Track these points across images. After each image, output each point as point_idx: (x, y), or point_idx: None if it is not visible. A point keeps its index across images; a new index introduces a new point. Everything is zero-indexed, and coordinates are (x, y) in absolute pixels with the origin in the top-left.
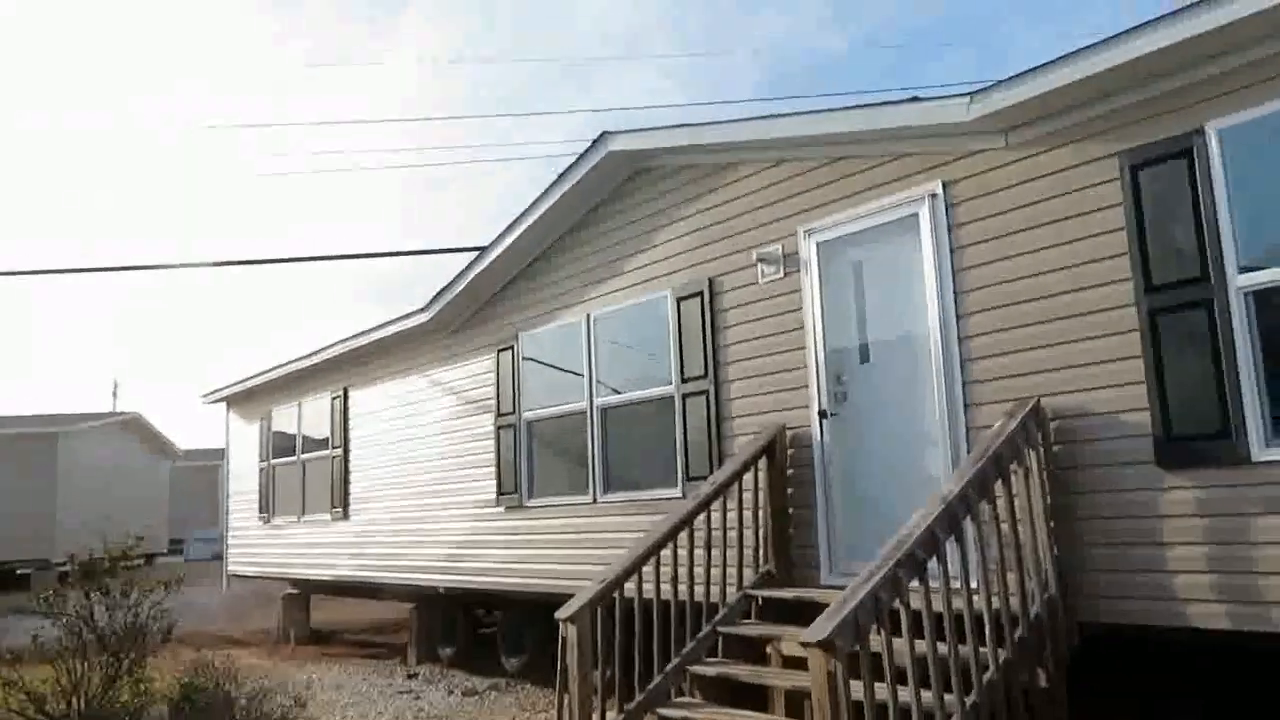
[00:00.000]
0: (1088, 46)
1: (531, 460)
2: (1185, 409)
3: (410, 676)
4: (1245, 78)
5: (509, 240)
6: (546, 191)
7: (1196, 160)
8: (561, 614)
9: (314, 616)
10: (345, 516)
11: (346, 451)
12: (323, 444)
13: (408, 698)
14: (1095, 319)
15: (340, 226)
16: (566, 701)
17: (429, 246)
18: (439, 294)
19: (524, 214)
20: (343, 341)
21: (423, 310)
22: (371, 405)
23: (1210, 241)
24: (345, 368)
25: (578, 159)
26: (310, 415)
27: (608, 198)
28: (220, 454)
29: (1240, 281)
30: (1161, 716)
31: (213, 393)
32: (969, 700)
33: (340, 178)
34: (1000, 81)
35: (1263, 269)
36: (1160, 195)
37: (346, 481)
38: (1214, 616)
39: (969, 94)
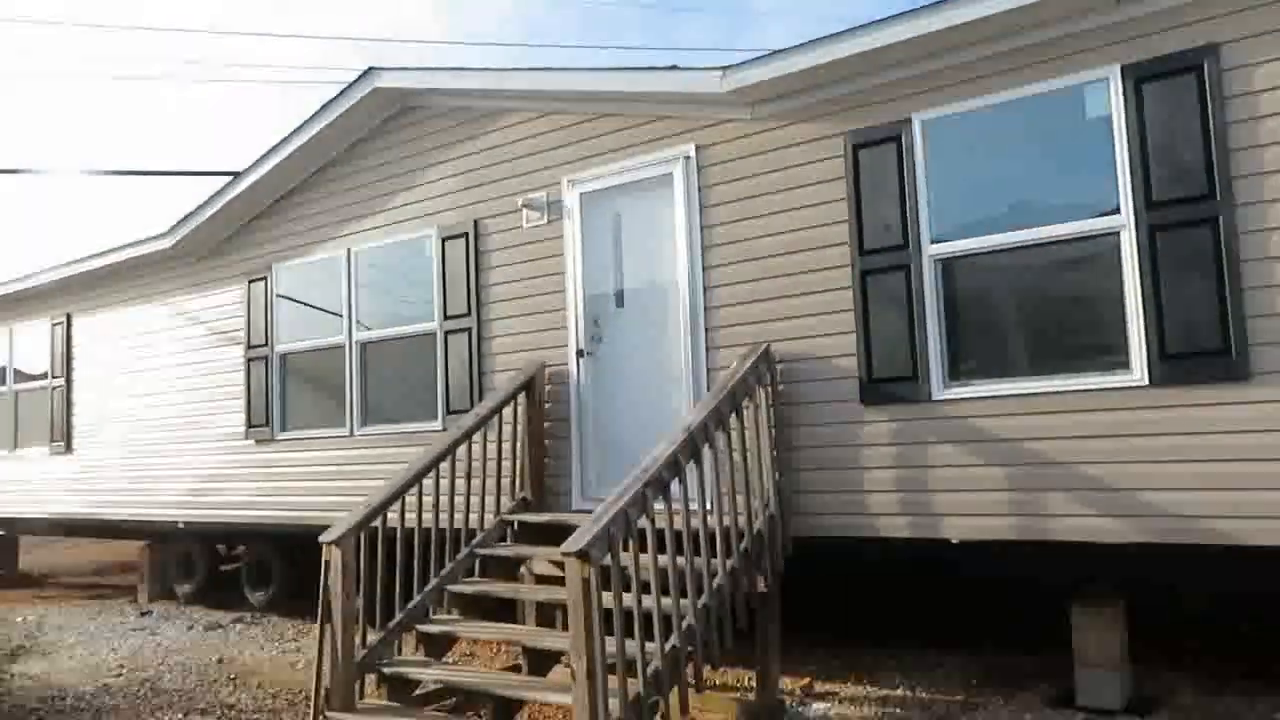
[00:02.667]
0: (824, 37)
1: (285, 393)
2: (884, 356)
3: (144, 614)
4: (946, 78)
5: (264, 169)
6: (307, 122)
7: (904, 145)
8: (326, 538)
9: (23, 560)
10: (68, 450)
11: (69, 381)
12: (40, 374)
13: (143, 634)
14: (818, 276)
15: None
16: (329, 623)
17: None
18: (184, 219)
19: (282, 143)
20: (66, 265)
21: (165, 235)
22: (102, 333)
23: (911, 215)
24: (70, 293)
25: (341, 92)
26: (24, 343)
27: (373, 133)
28: None
29: (932, 250)
30: (855, 610)
31: None
32: (700, 602)
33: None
34: (749, 60)
35: (949, 240)
36: (875, 173)
37: (69, 414)
38: (898, 527)
39: (722, 69)
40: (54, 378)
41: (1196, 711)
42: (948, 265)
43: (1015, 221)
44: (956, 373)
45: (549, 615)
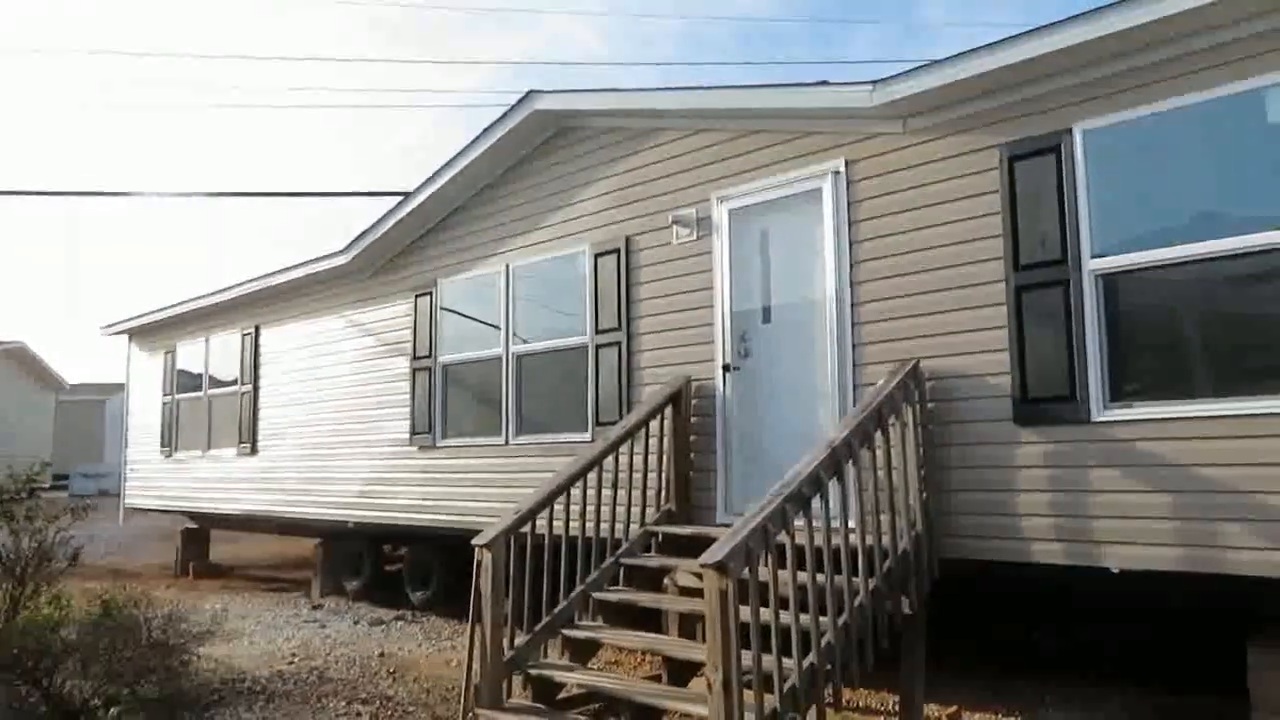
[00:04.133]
0: (975, 49)
1: (446, 403)
2: (1040, 375)
3: (315, 608)
4: (1109, 86)
5: (432, 189)
6: (471, 144)
7: (1063, 156)
8: (478, 541)
9: (213, 552)
10: (253, 452)
11: (256, 388)
12: (231, 380)
13: (314, 627)
14: (970, 292)
15: (277, 164)
16: (479, 623)
17: (365, 188)
18: (359, 237)
19: (448, 164)
20: (256, 279)
21: (342, 252)
22: (284, 343)
23: (1070, 228)
24: (258, 305)
25: (503, 115)
26: (219, 351)
27: (531, 153)
28: (107, 388)
29: (1093, 265)
30: (1004, 640)
31: (114, 324)
32: (840, 621)
33: (269, 113)
34: (900, 74)
35: (1112, 255)
36: (1031, 185)
37: (255, 418)
38: (1054, 554)
39: (872, 82)
40: (243, 384)
41: None
42: (1110, 281)
43: (1184, 235)
44: (1119, 393)
45: (690, 627)
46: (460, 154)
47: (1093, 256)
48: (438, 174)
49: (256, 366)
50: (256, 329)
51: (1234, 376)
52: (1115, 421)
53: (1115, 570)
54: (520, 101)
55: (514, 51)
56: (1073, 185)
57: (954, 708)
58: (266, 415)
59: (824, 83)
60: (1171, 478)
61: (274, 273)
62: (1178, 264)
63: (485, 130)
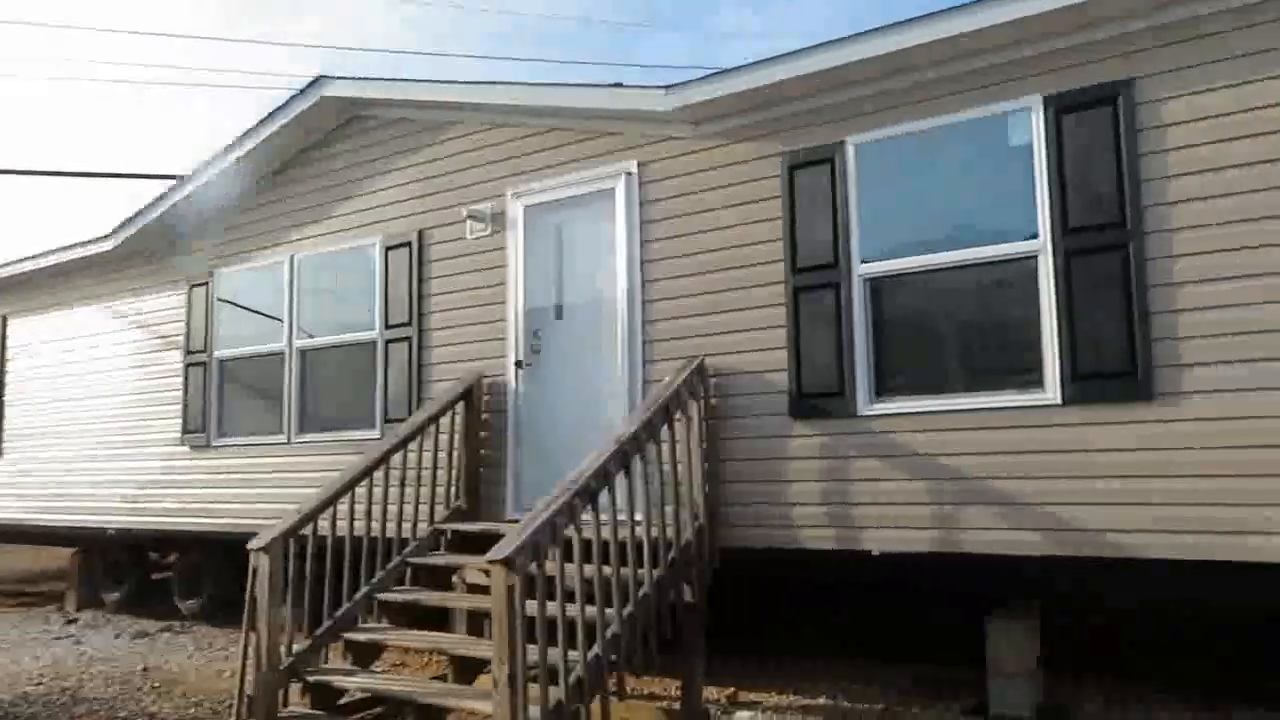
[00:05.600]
0: (762, 60)
1: (222, 400)
2: (814, 371)
3: (70, 622)
4: (878, 103)
5: (210, 173)
6: (255, 128)
7: (837, 167)
8: (254, 544)
9: None
10: None
11: (1, 384)
12: None
13: (67, 643)
14: (754, 293)
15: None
16: (254, 631)
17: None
18: (126, 222)
19: (228, 148)
20: (2, 266)
21: (106, 238)
22: (38, 336)
23: (842, 235)
24: (6, 294)
25: (290, 99)
26: None
27: (321, 141)
28: None
29: (862, 270)
30: (783, 622)
31: None
32: (626, 612)
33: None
34: (692, 80)
35: (878, 261)
36: (809, 193)
37: (1, 416)
38: (823, 539)
39: (666, 87)
40: None
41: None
42: (876, 285)
43: (940, 244)
44: (883, 389)
45: (479, 624)
46: (243, 138)
47: (862, 261)
48: (217, 158)
49: (2, 361)
50: (4, 320)
51: (980, 373)
52: (879, 415)
53: (876, 553)
54: (309, 86)
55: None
56: (845, 194)
57: (731, 689)
58: (15, 415)
59: (619, 85)
60: (925, 466)
61: (25, 259)
62: (935, 270)
63: (271, 114)
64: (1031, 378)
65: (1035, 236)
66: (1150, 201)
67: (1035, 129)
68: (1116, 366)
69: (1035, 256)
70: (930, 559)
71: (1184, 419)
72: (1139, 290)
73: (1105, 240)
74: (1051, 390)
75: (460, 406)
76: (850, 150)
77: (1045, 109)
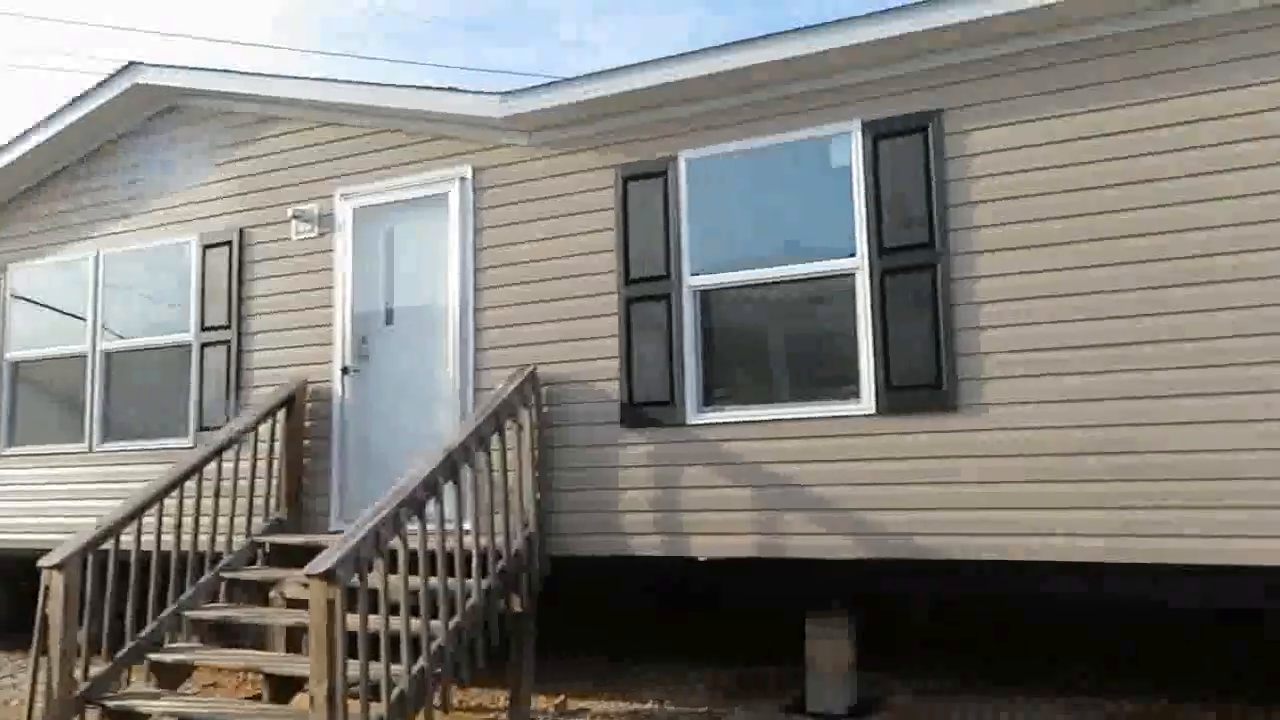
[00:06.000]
0: (600, 72)
1: (14, 405)
2: (644, 381)
3: None
4: (709, 121)
5: (5, 160)
6: (58, 113)
7: (670, 180)
8: (46, 561)
9: None
10: None
11: None
12: None
13: None
14: (587, 303)
15: None
16: (46, 655)
17: None
18: None
19: (26, 133)
20: None
21: None
22: None
23: (674, 247)
24: None
25: (99, 85)
26: None
27: (134, 131)
28: None
29: (691, 282)
30: (618, 628)
31: None
32: (452, 623)
33: None
34: (527, 88)
35: (708, 274)
36: (642, 206)
37: None
38: (652, 546)
39: (501, 94)
40: None
41: (910, 712)
42: (705, 297)
43: (767, 259)
44: (711, 398)
45: (299, 640)
46: (43, 124)
47: (692, 274)
48: (12, 144)
49: None
50: None
51: (803, 384)
52: (707, 424)
53: (702, 559)
54: (120, 72)
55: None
56: (677, 208)
57: (561, 697)
58: None
59: (454, 89)
60: (751, 473)
61: None
62: (762, 284)
63: (76, 99)
64: (849, 389)
65: (854, 255)
66: (956, 225)
67: (855, 153)
68: (925, 379)
69: (853, 274)
70: (755, 563)
71: (984, 428)
72: (945, 308)
73: (916, 260)
74: (867, 400)
75: (282, 414)
76: (683, 165)
77: (864, 134)
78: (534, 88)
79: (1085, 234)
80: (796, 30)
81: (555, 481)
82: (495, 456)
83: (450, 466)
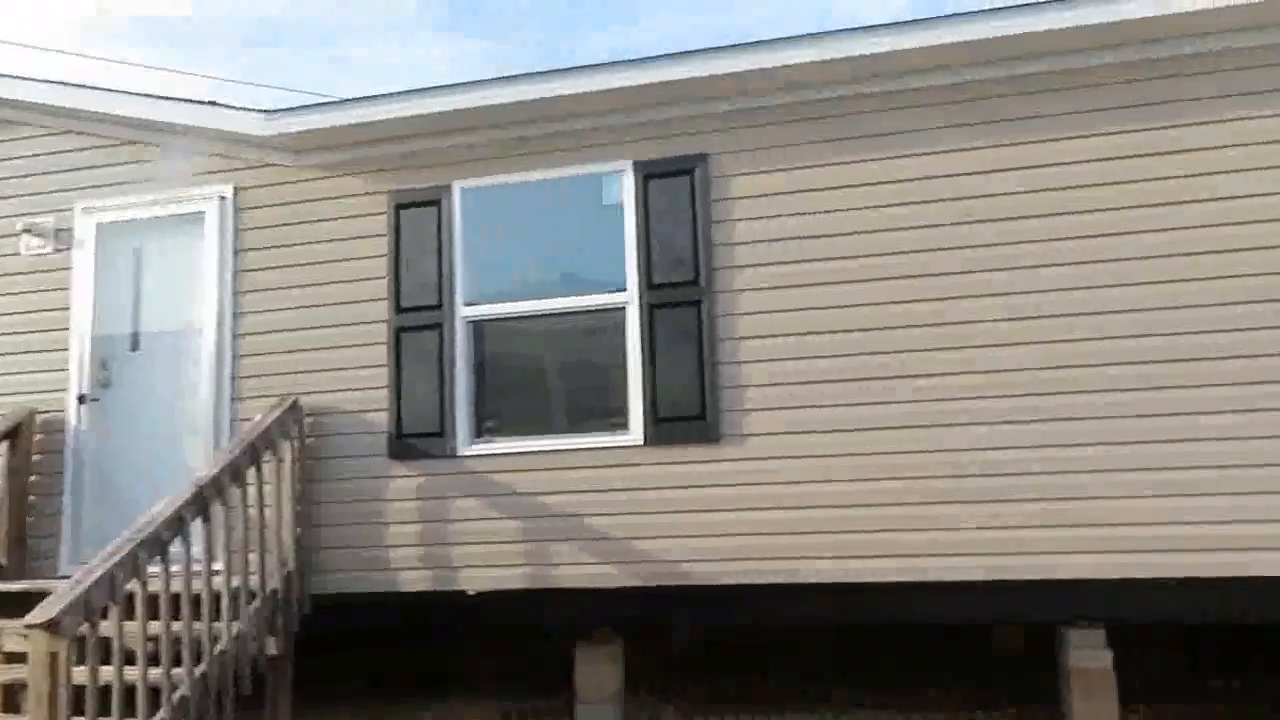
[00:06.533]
0: (370, 96)
1: None
2: (414, 412)
3: None
4: (485, 152)
5: None
6: None
7: (444, 209)
8: None
9: None
10: None
11: None
12: None
13: None
14: (355, 330)
15: None
16: None
17: None
18: None
19: None
20: None
21: None
22: None
23: (447, 276)
24: None
25: None
26: None
27: None
28: None
29: (464, 312)
30: (383, 665)
31: None
32: (198, 671)
33: None
34: (293, 107)
35: (481, 304)
36: (415, 233)
37: None
38: (421, 581)
39: (265, 111)
40: None
41: None
42: (478, 327)
43: (541, 290)
44: (482, 429)
45: (18, 698)
46: None
47: (465, 304)
48: None
49: None
50: None
51: (574, 415)
52: (478, 455)
53: (472, 592)
54: None
55: None
56: (451, 237)
57: None
58: None
59: (213, 103)
60: (522, 505)
61: None
62: (535, 316)
63: None
64: (619, 420)
65: (624, 289)
66: (720, 264)
67: (626, 191)
68: (690, 410)
69: (624, 308)
70: (526, 594)
71: (745, 458)
72: (710, 342)
73: (683, 296)
74: (636, 432)
75: (3, 447)
76: (457, 195)
77: (635, 173)
78: (300, 107)
79: (838, 276)
80: (565, 70)
81: (319, 516)
82: (252, 491)
83: (200, 502)
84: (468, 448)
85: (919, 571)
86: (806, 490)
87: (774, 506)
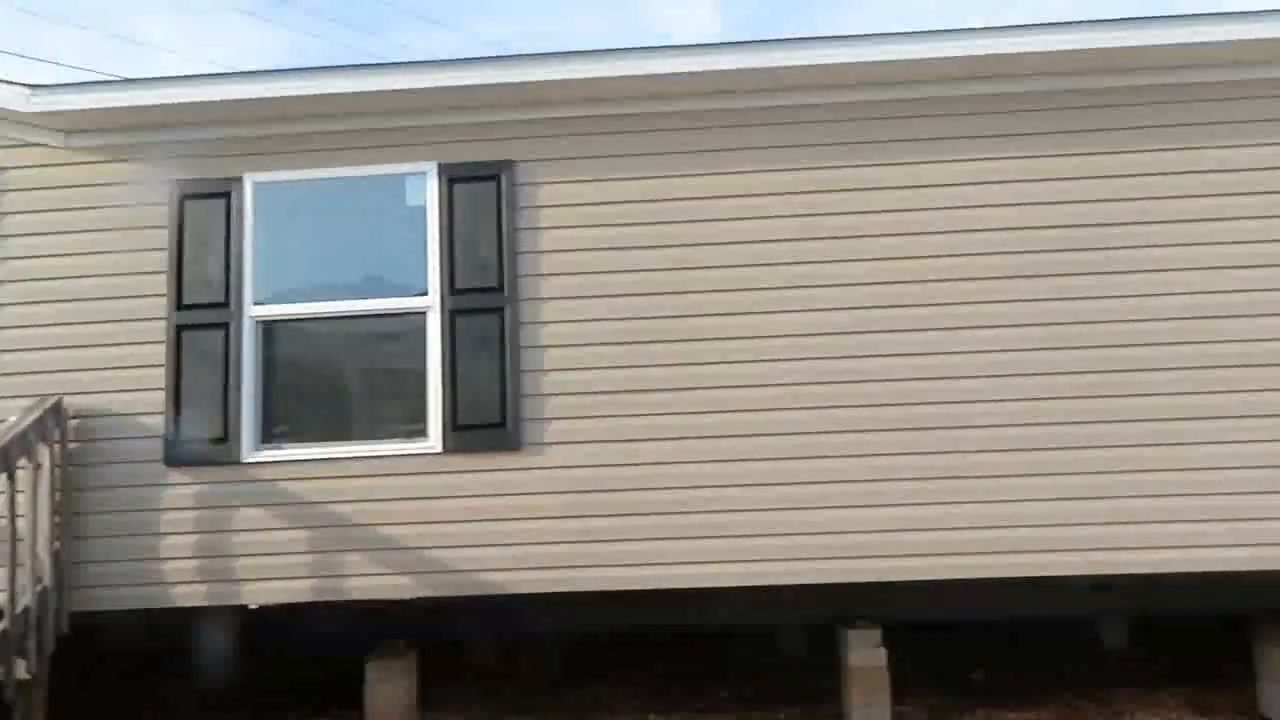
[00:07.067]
0: (152, 78)
1: None
2: (195, 416)
3: None
4: (281, 145)
5: None
6: None
7: (234, 203)
8: None
9: None
10: None
11: None
12: None
13: None
14: (130, 327)
15: None
16: None
17: None
18: None
19: None
20: None
21: None
22: None
23: (235, 273)
24: None
25: None
26: None
27: None
28: None
29: (254, 312)
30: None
31: None
32: None
33: None
34: (60, 85)
35: (273, 304)
36: (201, 227)
37: None
38: (198, 596)
39: (31, 86)
40: None
41: None
42: (269, 328)
43: (338, 292)
44: (271, 435)
45: None
46: None
47: (255, 303)
48: None
49: None
50: None
51: (371, 422)
52: (265, 463)
53: (253, 606)
54: None
55: None
56: (240, 232)
57: None
58: None
59: None
60: (313, 514)
61: None
62: (331, 318)
63: None
64: (417, 427)
65: (426, 294)
66: (525, 272)
67: (430, 194)
68: (491, 418)
69: (425, 312)
70: (318, 607)
71: (546, 467)
72: (512, 350)
73: (485, 303)
74: (435, 439)
75: None
76: (249, 187)
77: (440, 176)
78: (73, 84)
79: (641, 288)
80: (366, 66)
81: (84, 528)
82: (2, 500)
83: None
84: (254, 454)
85: (709, 577)
86: (603, 499)
87: (574, 515)
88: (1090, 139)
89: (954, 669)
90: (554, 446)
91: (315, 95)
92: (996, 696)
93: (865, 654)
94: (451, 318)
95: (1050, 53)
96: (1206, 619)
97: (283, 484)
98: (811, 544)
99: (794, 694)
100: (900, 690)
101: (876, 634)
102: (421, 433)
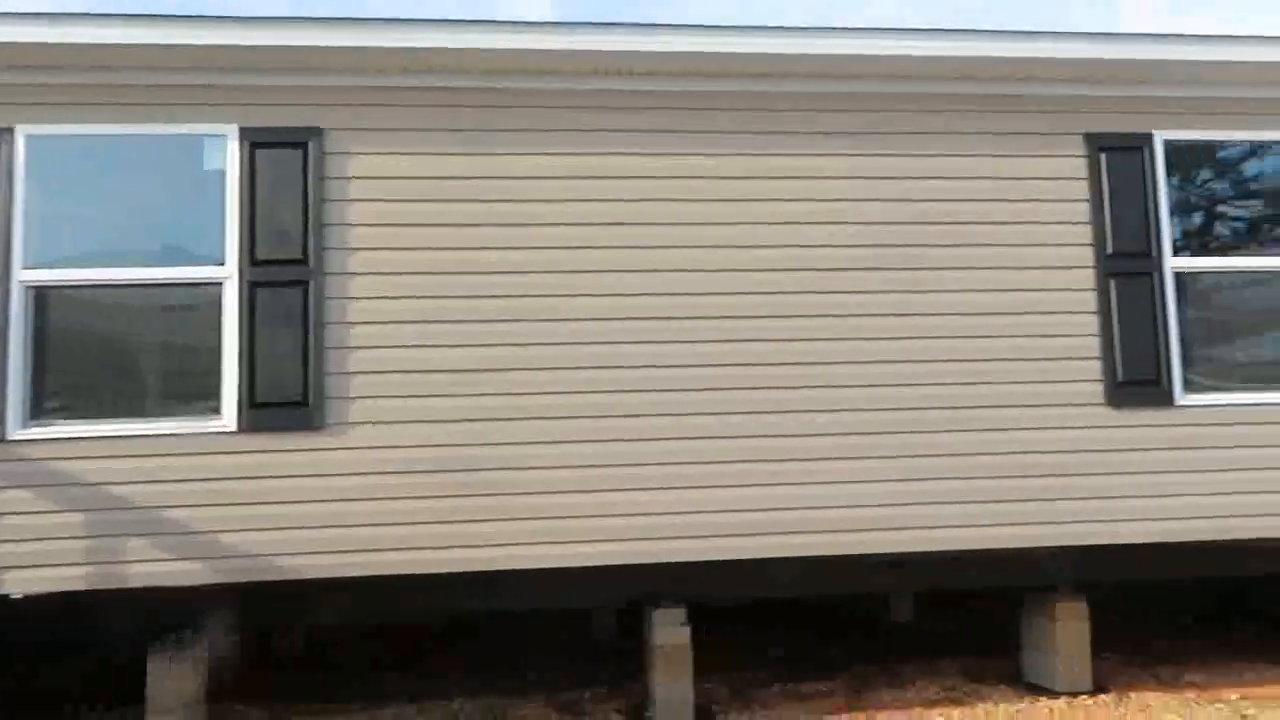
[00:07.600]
0: None
1: None
2: None
3: None
4: (57, 96)
5: None
6: None
7: (2, 157)
8: None
9: None
10: None
11: None
12: None
13: None
14: None
15: None
16: None
17: None
18: None
19: None
20: None
21: None
22: None
23: (2, 234)
24: None
25: None
26: None
27: None
28: None
29: (23, 276)
30: None
31: None
32: None
33: None
34: None
35: (47, 269)
36: None
37: None
38: None
39: None
40: None
41: None
42: (41, 294)
43: (124, 258)
44: (41, 411)
45: None
46: None
47: (25, 268)
48: None
49: None
50: None
51: (158, 398)
52: (34, 440)
53: (17, 595)
54: None
55: None
56: (10, 190)
57: None
58: None
59: None
60: (89, 497)
61: None
62: (114, 286)
63: None
64: (210, 404)
65: (223, 264)
66: (331, 245)
67: (230, 158)
68: (292, 396)
69: (222, 283)
70: (93, 596)
71: (349, 447)
72: (316, 326)
73: (288, 275)
74: (229, 418)
75: None
76: (21, 141)
77: (241, 140)
78: None
79: (452, 266)
80: (160, 16)
81: None
82: None
83: None
84: (20, 431)
85: (508, 559)
86: (411, 481)
87: (379, 498)
88: (903, 141)
89: (756, 646)
90: (359, 426)
91: (96, 44)
92: (794, 669)
93: (669, 633)
94: (251, 290)
95: (826, 55)
96: (985, 594)
97: (57, 463)
98: (616, 526)
99: (602, 675)
100: (704, 669)
101: (681, 613)
102: (215, 410)
